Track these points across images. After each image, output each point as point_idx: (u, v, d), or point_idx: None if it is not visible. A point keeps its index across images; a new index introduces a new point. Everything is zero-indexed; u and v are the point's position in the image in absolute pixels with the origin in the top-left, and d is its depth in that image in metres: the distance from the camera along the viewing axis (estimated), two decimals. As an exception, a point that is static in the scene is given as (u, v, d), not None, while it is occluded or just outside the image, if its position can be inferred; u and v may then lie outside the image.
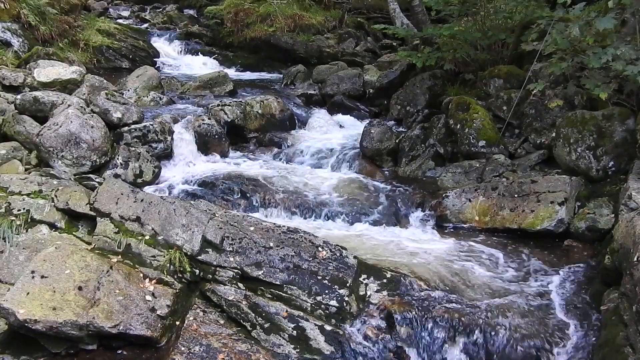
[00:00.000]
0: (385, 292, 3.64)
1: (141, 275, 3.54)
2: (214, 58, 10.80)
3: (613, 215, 4.15)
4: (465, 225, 4.69)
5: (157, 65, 9.84)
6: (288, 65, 10.01)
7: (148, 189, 5.06)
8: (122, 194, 3.93)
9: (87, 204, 3.95)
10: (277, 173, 5.66)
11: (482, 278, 3.85)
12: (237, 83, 8.67)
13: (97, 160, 5.17)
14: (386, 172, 5.95)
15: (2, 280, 3.55)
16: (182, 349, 3.18)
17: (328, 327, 3.42)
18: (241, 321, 3.46)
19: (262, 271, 3.61)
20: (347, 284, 3.60)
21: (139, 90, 7.28)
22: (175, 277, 3.60)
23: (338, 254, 3.76)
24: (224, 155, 6.18)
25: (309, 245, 3.78)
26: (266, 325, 3.42)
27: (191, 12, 14.63)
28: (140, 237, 3.73)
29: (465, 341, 3.28)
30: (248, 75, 10.23)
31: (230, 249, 3.70)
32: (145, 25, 13.03)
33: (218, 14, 12.28)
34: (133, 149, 5.42)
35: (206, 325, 3.38)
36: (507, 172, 5.15)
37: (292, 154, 6.30)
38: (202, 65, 10.30)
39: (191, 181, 5.38)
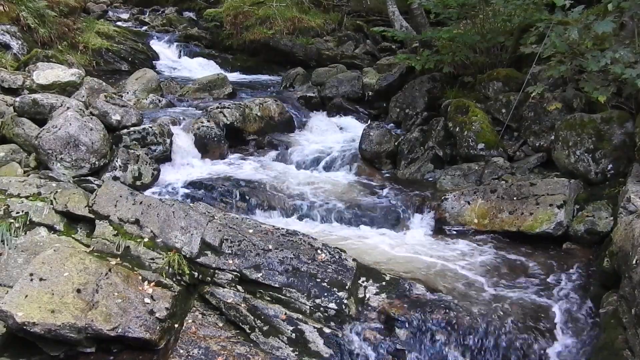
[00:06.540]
0: (384, 295, 3.64)
1: (140, 277, 3.54)
2: (213, 61, 10.80)
3: (612, 218, 4.14)
4: (464, 228, 4.68)
5: (157, 67, 9.83)
6: (287, 67, 10.00)
7: (147, 192, 5.06)
8: (121, 196, 3.93)
9: (86, 207, 3.95)
10: (276, 175, 5.66)
11: (480, 281, 3.85)
12: (236, 86, 8.69)
13: (96, 162, 5.17)
14: (385, 175, 5.95)
15: (0, 283, 3.55)
16: (181, 351, 3.18)
17: (327, 330, 3.42)
18: (240, 324, 3.46)
19: (261, 274, 3.60)
20: (346, 287, 3.59)
21: (138, 92, 7.29)
22: (174, 279, 3.60)
23: (337, 257, 3.76)
24: (223, 157, 6.17)
25: (308, 248, 3.77)
26: (265, 328, 3.42)
27: (190, 14, 14.64)
28: (139, 240, 3.73)
29: (464, 344, 3.28)
30: (247, 78, 10.23)
31: (229, 251, 3.69)
32: (145, 27, 13.03)
33: (217, 17, 12.29)
34: (132, 151, 5.41)
35: (205, 328, 3.38)
36: (506, 175, 5.16)
37: (291, 157, 6.29)
38: (201, 68, 10.29)
39: (190, 183, 5.37)
